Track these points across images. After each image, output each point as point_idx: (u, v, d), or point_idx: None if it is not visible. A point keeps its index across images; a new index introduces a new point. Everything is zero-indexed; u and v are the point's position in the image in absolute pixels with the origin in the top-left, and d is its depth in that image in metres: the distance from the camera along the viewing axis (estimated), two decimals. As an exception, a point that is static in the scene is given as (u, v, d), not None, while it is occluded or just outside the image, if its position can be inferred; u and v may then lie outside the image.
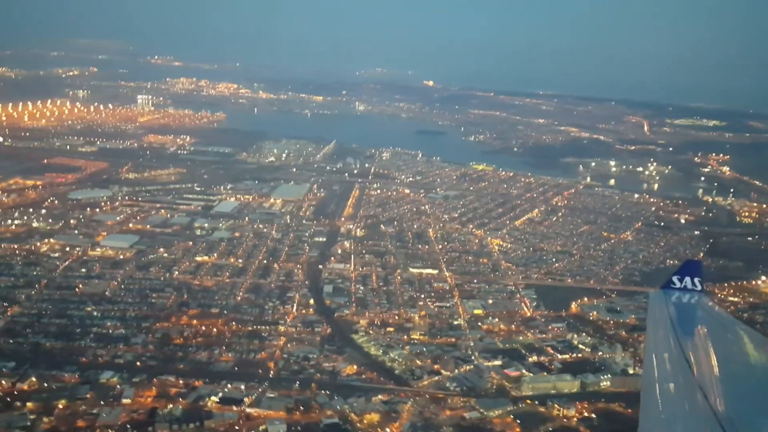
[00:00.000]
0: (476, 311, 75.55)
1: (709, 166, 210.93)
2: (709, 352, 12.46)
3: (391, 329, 69.84)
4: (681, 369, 10.53)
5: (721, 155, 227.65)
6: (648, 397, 9.70)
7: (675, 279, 16.09)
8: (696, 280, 15.99)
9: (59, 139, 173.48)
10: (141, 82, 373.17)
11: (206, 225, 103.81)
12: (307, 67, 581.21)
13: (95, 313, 68.11)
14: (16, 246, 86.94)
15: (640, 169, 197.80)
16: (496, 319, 73.45)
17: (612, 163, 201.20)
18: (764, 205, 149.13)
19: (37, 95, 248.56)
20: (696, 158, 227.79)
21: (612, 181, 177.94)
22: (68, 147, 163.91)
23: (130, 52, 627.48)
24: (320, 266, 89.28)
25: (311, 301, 76.47)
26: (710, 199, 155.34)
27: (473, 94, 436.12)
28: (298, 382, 57.36)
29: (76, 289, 73.95)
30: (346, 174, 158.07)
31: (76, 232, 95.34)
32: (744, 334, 13.92)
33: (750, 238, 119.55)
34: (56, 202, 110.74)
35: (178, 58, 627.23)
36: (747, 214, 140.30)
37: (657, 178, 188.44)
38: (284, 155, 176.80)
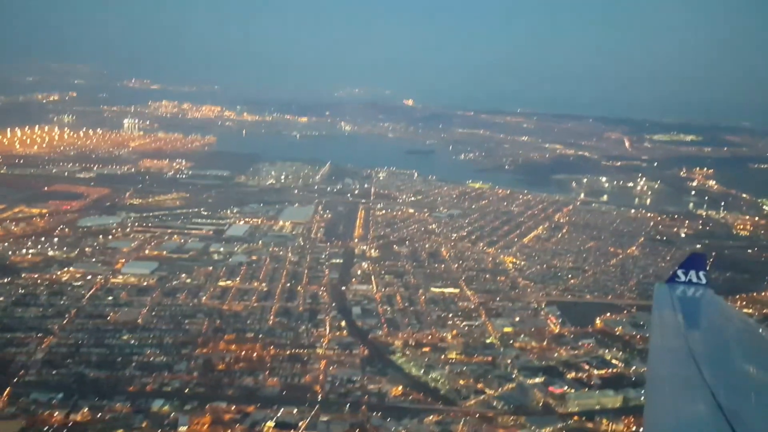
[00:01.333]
0: (506, 329, 76.78)
1: (696, 181, 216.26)
2: (716, 345, 12.30)
3: (427, 349, 70.70)
4: (687, 362, 10.30)
5: (705, 169, 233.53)
6: (653, 392, 9.69)
7: (680, 272, 15.77)
8: (701, 273, 15.68)
9: (54, 165, 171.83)
10: (124, 107, 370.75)
11: (222, 249, 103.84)
12: (285, 87, 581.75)
13: (132, 341, 67.87)
14: (36, 275, 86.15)
15: (631, 184, 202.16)
16: (527, 337, 74.77)
17: (603, 179, 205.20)
18: (756, 218, 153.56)
19: (22, 121, 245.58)
20: (681, 173, 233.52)
21: (605, 197, 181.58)
22: (65, 174, 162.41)
23: (105, 76, 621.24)
24: (343, 288, 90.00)
25: (342, 323, 76.99)
26: (704, 213, 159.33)
27: (455, 114, 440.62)
28: (348, 405, 57.92)
29: (108, 318, 73.61)
30: (348, 195, 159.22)
31: (93, 260, 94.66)
32: (750, 327, 13.77)
33: (750, 251, 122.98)
34: (67, 230, 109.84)
35: (155, 81, 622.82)
36: (742, 227, 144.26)
37: (649, 193, 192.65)
38: (283, 177, 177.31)
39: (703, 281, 15.55)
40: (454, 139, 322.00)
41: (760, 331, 13.63)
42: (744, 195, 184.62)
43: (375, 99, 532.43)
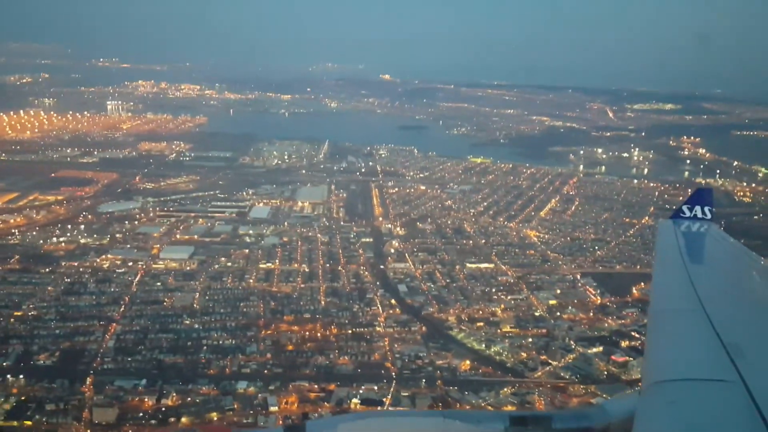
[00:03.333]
0: (551, 302, 79.30)
1: (686, 150, 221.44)
2: (719, 279, 12.16)
3: (481, 324, 72.79)
4: (689, 297, 10.17)
5: (693, 138, 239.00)
6: (654, 326, 9.60)
7: (685, 208, 15.66)
8: (706, 208, 15.49)
9: (54, 151, 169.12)
10: (101, 87, 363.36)
11: (251, 232, 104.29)
12: (257, 64, 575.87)
13: (196, 326, 68.70)
14: (76, 263, 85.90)
15: (626, 155, 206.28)
16: (573, 309, 77.43)
17: (599, 150, 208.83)
18: (753, 185, 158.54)
19: (2, 105, 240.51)
20: (670, 142, 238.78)
21: (602, 168, 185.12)
22: (68, 159, 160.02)
23: (70, 55, 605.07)
24: (381, 266, 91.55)
25: (392, 301, 78.64)
26: (702, 182, 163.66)
27: (437, 88, 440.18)
28: (423, 380, 59.90)
29: (164, 303, 74.18)
30: (357, 173, 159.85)
31: (128, 246, 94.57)
32: (755, 261, 13.57)
33: (756, 217, 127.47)
34: (90, 216, 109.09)
35: (124, 60, 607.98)
36: (742, 193, 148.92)
37: (645, 163, 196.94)
38: (286, 157, 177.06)
39: (709, 216, 15.46)
40: (442, 113, 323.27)
41: (764, 265, 13.39)
42: (735, 162, 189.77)
43: (350, 74, 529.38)
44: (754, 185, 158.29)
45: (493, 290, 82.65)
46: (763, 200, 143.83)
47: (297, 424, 8.25)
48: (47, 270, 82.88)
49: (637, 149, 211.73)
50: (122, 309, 71.96)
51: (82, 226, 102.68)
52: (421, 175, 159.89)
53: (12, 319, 68.39)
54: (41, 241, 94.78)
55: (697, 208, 15.49)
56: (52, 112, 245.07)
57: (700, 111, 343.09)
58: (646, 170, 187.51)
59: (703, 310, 9.47)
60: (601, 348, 66.75)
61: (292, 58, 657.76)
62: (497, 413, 8.58)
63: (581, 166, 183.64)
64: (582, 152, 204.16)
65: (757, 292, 11.98)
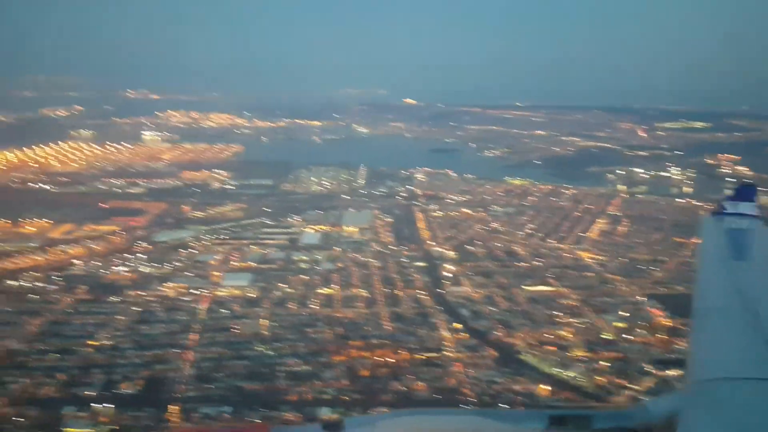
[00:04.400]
0: (617, 324, 78.72)
1: (725, 168, 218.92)
2: (764, 276, 11.89)
3: (552, 348, 72.50)
4: (734, 294, 10.04)
5: (731, 155, 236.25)
6: (699, 324, 9.44)
7: (729, 204, 15.16)
8: (751, 204, 15.05)
9: (99, 182, 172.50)
10: (134, 118, 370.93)
11: (305, 258, 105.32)
12: (281, 92, 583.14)
13: (269, 352, 69.44)
14: (142, 292, 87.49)
15: (665, 174, 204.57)
16: (643, 331, 76.77)
17: (637, 170, 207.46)
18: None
19: (41, 138, 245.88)
20: (707, 160, 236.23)
21: (644, 188, 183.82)
22: (115, 190, 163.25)
23: (97, 87, 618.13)
24: (439, 291, 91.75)
25: (456, 326, 78.71)
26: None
27: (461, 111, 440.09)
28: (507, 407, 59.64)
29: (234, 330, 75.11)
30: (397, 197, 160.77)
31: (189, 274, 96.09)
32: None
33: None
34: (146, 245, 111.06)
35: (153, 91, 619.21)
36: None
37: (685, 182, 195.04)
38: (327, 183, 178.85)
39: (754, 213, 14.98)
40: (471, 136, 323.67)
41: None
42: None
43: (374, 99, 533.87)
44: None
45: (557, 313, 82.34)
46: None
47: (336, 420, 8.30)
48: (116, 299, 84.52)
49: (675, 168, 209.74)
50: (195, 336, 73.00)
51: (140, 256, 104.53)
52: (463, 198, 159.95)
53: (89, 349, 69.75)
54: (104, 271, 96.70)
55: (741, 205, 15.12)
56: (91, 144, 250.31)
57: (731, 128, 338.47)
58: (687, 189, 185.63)
59: (748, 307, 9.37)
60: (679, 370, 65.89)
61: (313, 83, 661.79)
62: (536, 412, 8.35)
63: (622, 186, 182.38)
64: (620, 172, 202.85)
65: None
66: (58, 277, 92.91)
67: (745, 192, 16.09)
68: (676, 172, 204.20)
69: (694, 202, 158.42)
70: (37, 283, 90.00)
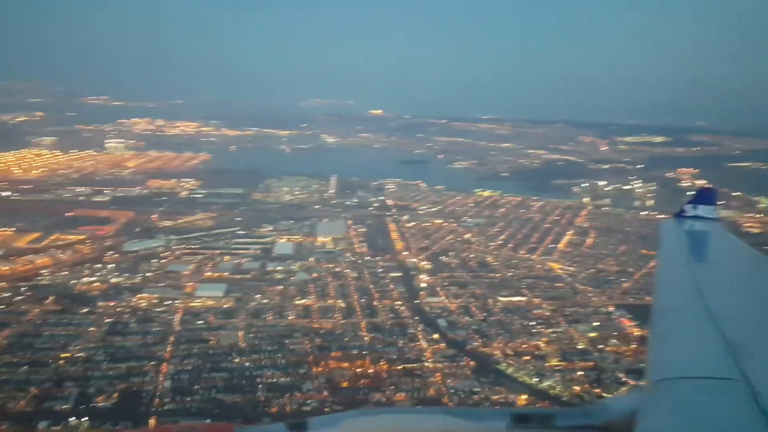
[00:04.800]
0: (590, 334, 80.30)
1: (685, 181, 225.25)
2: (722, 277, 12.09)
3: (528, 357, 73.53)
4: (692, 295, 10.14)
5: (690, 169, 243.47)
6: (658, 324, 9.51)
7: (688, 207, 15.59)
8: (711, 207, 15.43)
9: (64, 190, 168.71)
10: (98, 125, 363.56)
11: (279, 268, 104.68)
12: (247, 100, 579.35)
13: (247, 364, 68.76)
14: (112, 303, 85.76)
15: (627, 187, 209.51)
16: (615, 341, 78.44)
17: (601, 183, 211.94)
18: (758, 215, 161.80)
19: (2, 144, 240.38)
20: (667, 174, 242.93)
21: (608, 201, 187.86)
22: (80, 198, 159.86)
23: (59, 93, 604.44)
24: (416, 301, 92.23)
25: (434, 336, 79.21)
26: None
27: (429, 122, 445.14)
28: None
29: (210, 342, 74.16)
30: (369, 208, 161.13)
31: (161, 284, 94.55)
32: (760, 261, 13.55)
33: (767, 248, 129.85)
34: (116, 255, 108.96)
35: (115, 98, 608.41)
36: (749, 225, 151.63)
37: (648, 195, 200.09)
38: (297, 192, 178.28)
39: (713, 216, 15.38)
40: (439, 148, 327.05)
41: None
42: (734, 193, 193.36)
43: (341, 110, 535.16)
44: (759, 215, 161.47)
45: (532, 323, 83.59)
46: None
47: (301, 421, 8.84)
48: (86, 310, 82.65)
49: (636, 181, 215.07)
50: (170, 348, 71.85)
51: (110, 265, 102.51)
52: (434, 209, 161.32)
53: (62, 361, 68.02)
54: (73, 281, 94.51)
55: (701, 208, 15.60)
56: (54, 151, 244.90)
57: (690, 143, 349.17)
58: (650, 202, 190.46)
59: (706, 308, 9.52)
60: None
61: (281, 93, 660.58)
62: (499, 411, 8.87)
63: (587, 199, 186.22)
64: (584, 185, 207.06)
65: (761, 290, 11.92)
66: (25, 287, 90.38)
67: (705, 195, 16.63)
68: (638, 186, 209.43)
69: (656, 215, 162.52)
70: (3, 294, 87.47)
